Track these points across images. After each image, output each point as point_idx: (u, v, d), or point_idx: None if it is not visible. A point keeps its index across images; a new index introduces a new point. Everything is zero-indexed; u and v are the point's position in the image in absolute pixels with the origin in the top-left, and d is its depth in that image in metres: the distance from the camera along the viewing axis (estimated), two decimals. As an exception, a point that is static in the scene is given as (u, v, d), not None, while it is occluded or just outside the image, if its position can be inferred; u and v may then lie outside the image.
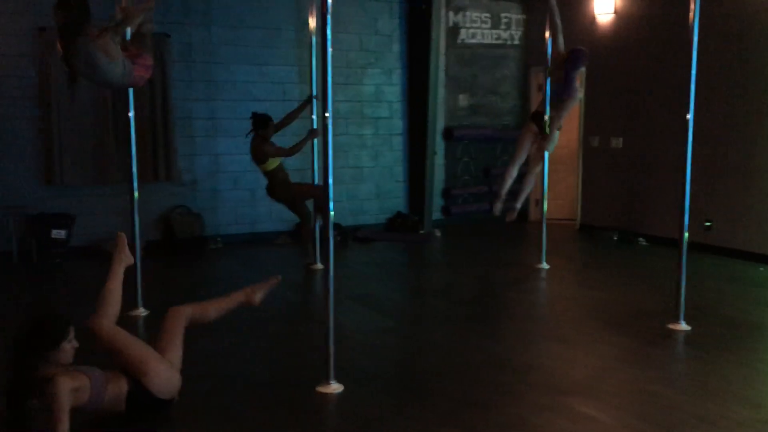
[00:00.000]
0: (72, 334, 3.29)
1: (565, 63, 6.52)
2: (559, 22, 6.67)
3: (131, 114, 5.36)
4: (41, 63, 7.54)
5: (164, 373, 3.47)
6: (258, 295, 4.09)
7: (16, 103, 7.53)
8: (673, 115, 8.08)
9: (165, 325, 3.73)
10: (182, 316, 3.75)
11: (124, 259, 3.96)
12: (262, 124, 6.80)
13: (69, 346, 3.27)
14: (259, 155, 6.84)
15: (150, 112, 7.96)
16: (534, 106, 7.01)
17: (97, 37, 4.35)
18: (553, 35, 6.73)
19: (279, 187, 6.99)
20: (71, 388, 3.13)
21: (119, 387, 3.37)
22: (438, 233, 9.33)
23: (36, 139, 7.64)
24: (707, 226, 7.66)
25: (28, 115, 7.58)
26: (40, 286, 6.76)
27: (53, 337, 3.22)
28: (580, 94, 6.99)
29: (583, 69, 6.90)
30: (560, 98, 6.57)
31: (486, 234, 9.36)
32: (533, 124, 6.81)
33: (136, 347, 3.49)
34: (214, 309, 3.93)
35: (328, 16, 3.88)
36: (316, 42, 7.01)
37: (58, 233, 7.52)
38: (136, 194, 5.37)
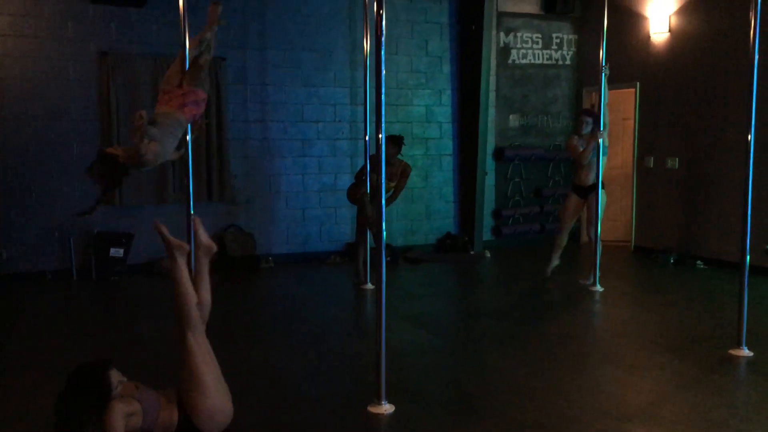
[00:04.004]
0: (115, 378, 3.16)
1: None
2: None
3: (189, 138, 5.47)
4: (101, 87, 7.80)
5: (219, 415, 3.33)
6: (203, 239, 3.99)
7: (78, 126, 7.79)
8: (731, 135, 7.91)
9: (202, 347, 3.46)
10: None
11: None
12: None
13: (119, 391, 3.15)
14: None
15: (206, 134, 8.13)
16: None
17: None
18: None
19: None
20: (125, 413, 3.09)
21: (170, 416, 3.30)
22: (488, 254, 9.26)
23: (96, 160, 7.87)
24: (767, 249, 7.43)
25: (89, 136, 7.83)
26: (98, 303, 6.94)
27: (100, 396, 3.08)
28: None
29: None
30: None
31: (537, 255, 9.23)
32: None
33: (207, 377, 3.33)
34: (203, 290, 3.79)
35: (383, 39, 3.92)
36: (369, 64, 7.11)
37: (116, 251, 7.73)
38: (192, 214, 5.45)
